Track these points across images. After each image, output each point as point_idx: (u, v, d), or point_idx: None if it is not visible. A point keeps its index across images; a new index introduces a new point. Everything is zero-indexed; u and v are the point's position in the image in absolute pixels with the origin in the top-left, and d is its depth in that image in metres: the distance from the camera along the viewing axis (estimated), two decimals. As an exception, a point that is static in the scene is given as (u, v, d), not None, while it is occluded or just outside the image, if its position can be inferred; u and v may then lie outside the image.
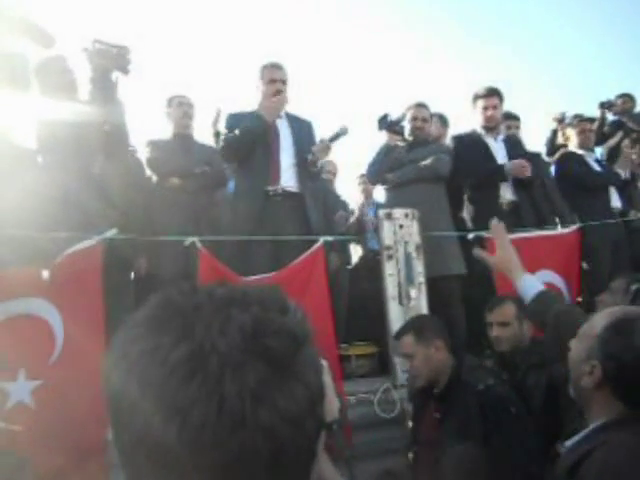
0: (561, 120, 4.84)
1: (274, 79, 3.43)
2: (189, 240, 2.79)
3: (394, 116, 3.76)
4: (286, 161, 3.38)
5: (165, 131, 3.92)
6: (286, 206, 3.33)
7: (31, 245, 2.54)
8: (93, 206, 2.99)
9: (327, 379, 0.57)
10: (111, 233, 2.58)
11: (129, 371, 0.48)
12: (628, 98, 5.14)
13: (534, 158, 4.21)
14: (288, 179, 3.35)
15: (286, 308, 0.53)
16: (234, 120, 3.42)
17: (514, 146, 3.95)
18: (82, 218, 2.88)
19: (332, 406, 0.59)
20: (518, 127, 4.46)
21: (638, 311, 1.38)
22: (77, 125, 2.90)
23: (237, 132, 3.30)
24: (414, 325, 2.51)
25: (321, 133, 3.59)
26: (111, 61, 2.90)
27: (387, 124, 3.72)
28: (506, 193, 3.75)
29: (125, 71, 2.96)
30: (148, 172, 3.95)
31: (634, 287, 2.31)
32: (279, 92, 3.38)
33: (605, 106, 4.81)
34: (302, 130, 3.53)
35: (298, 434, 0.49)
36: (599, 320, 1.39)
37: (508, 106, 4.33)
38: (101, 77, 2.91)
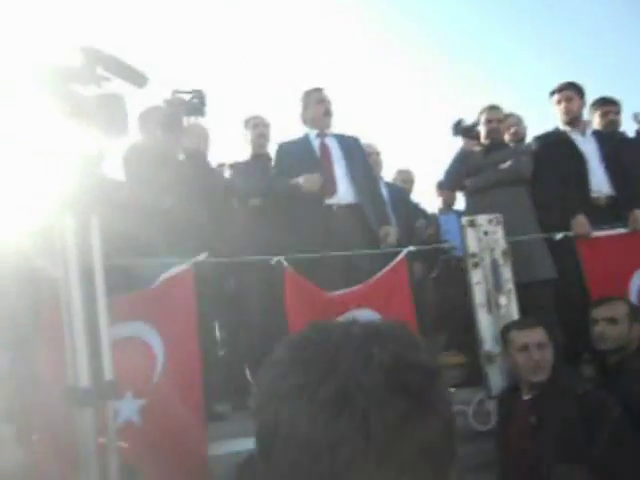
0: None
1: (322, 99, 3.64)
2: (275, 259, 2.86)
3: (468, 121, 3.71)
4: (340, 174, 3.49)
5: (243, 153, 4.07)
6: (347, 217, 3.42)
7: (132, 271, 2.71)
8: (182, 230, 3.15)
9: None
10: (203, 256, 2.71)
11: (280, 406, 0.52)
12: None
13: (630, 143, 3.97)
14: (344, 191, 3.45)
15: (418, 344, 0.56)
16: (284, 150, 3.65)
17: (607, 138, 3.76)
18: (175, 242, 3.03)
19: None
20: (617, 112, 4.10)
21: None
22: (161, 155, 3.09)
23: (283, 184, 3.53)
24: (541, 321, 2.52)
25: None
26: (186, 109, 3.11)
27: (461, 129, 3.67)
28: (602, 187, 3.57)
29: (202, 114, 3.15)
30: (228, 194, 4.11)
31: None
32: (328, 112, 3.64)
33: None
34: (350, 145, 3.67)
35: (436, 463, 0.50)
36: None
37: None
38: (172, 122, 3.10)
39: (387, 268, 2.96)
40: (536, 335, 2.41)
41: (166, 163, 3.08)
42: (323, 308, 2.88)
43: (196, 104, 3.16)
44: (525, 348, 2.39)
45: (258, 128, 4.00)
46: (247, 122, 4.05)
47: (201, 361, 2.64)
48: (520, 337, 2.44)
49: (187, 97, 3.16)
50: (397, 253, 3.07)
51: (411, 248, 3.05)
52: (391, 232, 3.40)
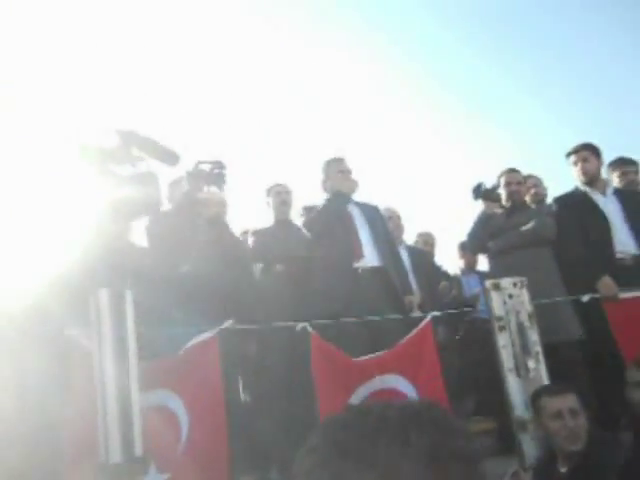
0: None
1: (342, 170, 3.77)
2: (300, 325, 2.88)
3: (488, 184, 3.77)
4: (365, 238, 3.59)
5: (266, 219, 4.17)
6: (374, 281, 3.49)
7: (157, 341, 2.74)
8: (202, 296, 3.19)
9: None
10: (228, 323, 2.73)
11: None
12: None
13: None
14: (369, 254, 3.53)
15: (457, 430, 0.56)
16: (309, 211, 3.81)
17: (629, 197, 3.78)
18: (196, 309, 3.07)
19: None
20: (637, 172, 4.15)
21: None
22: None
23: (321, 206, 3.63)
24: (573, 386, 2.46)
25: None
26: (207, 179, 3.23)
27: (482, 192, 3.73)
28: (627, 247, 3.56)
29: (220, 187, 3.26)
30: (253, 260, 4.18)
31: None
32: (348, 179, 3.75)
33: None
34: (371, 212, 3.79)
35: None
36: None
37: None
38: (193, 192, 3.21)
39: (412, 333, 2.95)
40: (569, 401, 2.34)
41: (186, 231, 3.16)
42: (349, 374, 2.86)
43: (217, 174, 3.27)
44: (558, 415, 2.32)
45: (280, 196, 4.11)
46: (270, 190, 4.16)
47: (226, 432, 2.60)
48: (552, 403, 2.38)
49: (208, 167, 3.28)
50: (422, 318, 3.06)
51: (436, 313, 3.04)
52: (413, 301, 3.47)
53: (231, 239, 3.76)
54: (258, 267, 4.16)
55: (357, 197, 3.83)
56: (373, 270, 3.52)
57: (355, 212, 3.72)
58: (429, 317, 2.97)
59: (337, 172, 3.75)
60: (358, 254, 3.52)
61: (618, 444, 2.31)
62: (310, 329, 2.87)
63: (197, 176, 3.18)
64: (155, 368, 2.71)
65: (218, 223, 3.62)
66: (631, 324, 3.16)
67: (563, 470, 2.25)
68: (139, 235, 3.29)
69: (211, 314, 3.09)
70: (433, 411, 0.58)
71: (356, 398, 2.81)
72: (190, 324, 2.86)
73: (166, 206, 3.37)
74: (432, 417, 0.56)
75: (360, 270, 3.48)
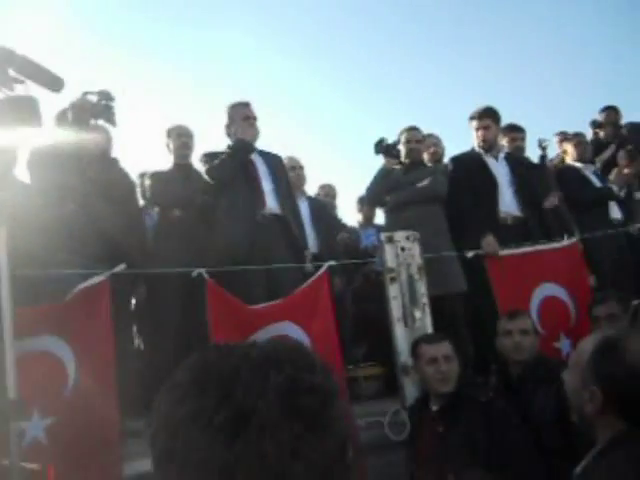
0: (544, 147, 4.92)
1: (248, 116, 3.66)
2: (196, 272, 2.83)
3: (390, 140, 3.85)
4: (267, 187, 3.57)
5: (165, 162, 4.00)
6: (275, 230, 3.50)
7: (41, 283, 2.58)
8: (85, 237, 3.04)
9: None
10: (119, 268, 2.63)
11: (175, 433, 0.52)
12: (612, 110, 5.29)
13: (538, 170, 4.27)
14: (271, 204, 3.53)
15: (315, 366, 0.58)
16: (210, 158, 3.65)
17: (516, 163, 4.02)
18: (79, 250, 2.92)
19: None
20: (523, 139, 4.47)
21: (618, 332, 1.43)
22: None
23: (224, 154, 3.54)
24: (447, 335, 2.67)
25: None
26: (93, 112, 3.01)
27: (383, 148, 3.80)
28: (510, 209, 3.81)
29: (109, 120, 3.06)
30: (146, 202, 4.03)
31: (636, 303, 2.35)
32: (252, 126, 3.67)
33: (595, 125, 4.90)
34: (274, 161, 3.75)
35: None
36: (585, 347, 1.43)
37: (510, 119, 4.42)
38: (77, 125, 2.99)
39: (308, 282, 3.00)
40: (443, 348, 2.55)
41: (71, 167, 2.95)
42: (244, 321, 2.88)
43: (104, 106, 3.05)
44: (434, 361, 2.51)
45: (181, 138, 3.94)
46: (170, 131, 3.98)
47: (115, 377, 2.54)
48: (429, 350, 2.57)
49: (95, 99, 3.04)
50: (319, 267, 3.12)
51: (332, 263, 3.11)
52: (307, 255, 3.60)
53: (120, 177, 3.55)
54: (155, 211, 4.02)
55: (261, 145, 3.76)
56: (274, 219, 3.51)
57: (258, 161, 3.66)
58: (325, 266, 3.04)
59: (242, 118, 3.64)
60: (260, 203, 3.49)
61: (484, 386, 2.54)
62: (206, 275, 2.83)
63: (82, 107, 2.95)
64: (37, 313, 2.57)
65: (105, 159, 3.40)
66: (507, 280, 3.43)
67: (434, 409, 2.45)
68: (20, 170, 3.04)
69: (100, 257, 2.96)
70: (293, 350, 0.60)
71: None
72: (78, 267, 2.71)
73: (50, 140, 3.11)
74: (291, 355, 0.58)
75: (261, 218, 3.45)
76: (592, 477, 1.28)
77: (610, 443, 1.33)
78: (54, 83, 1.87)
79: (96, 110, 3.00)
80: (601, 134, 5.06)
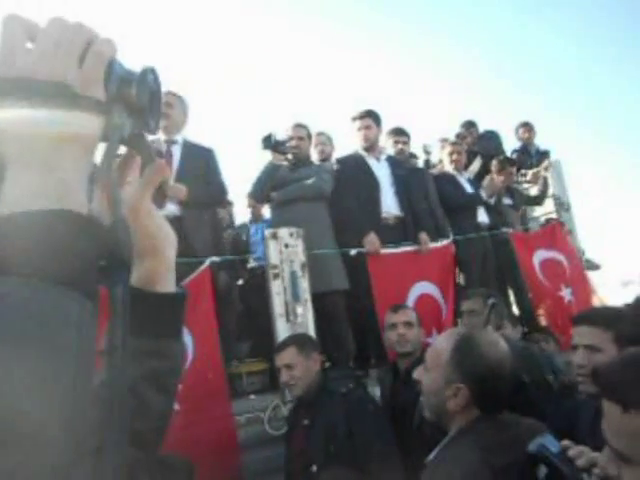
0: (428, 152, 5.26)
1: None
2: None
3: (279, 136, 3.84)
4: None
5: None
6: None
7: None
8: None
9: None
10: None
11: None
12: (470, 124, 5.85)
13: (418, 173, 4.49)
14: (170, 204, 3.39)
15: None
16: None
17: (397, 164, 4.21)
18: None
19: None
20: (406, 143, 4.68)
21: (469, 329, 1.54)
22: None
23: None
24: (297, 339, 2.67)
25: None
26: None
27: (272, 144, 3.78)
28: (391, 209, 3.97)
29: None
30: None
31: (490, 301, 2.55)
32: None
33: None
34: (197, 156, 3.62)
35: None
36: (442, 346, 1.50)
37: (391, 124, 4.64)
38: None
39: (189, 278, 2.94)
40: (286, 355, 2.56)
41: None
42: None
43: None
44: (279, 370, 2.58)
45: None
46: None
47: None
48: (276, 360, 2.62)
49: None
50: (201, 262, 3.07)
51: (214, 258, 3.08)
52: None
53: None
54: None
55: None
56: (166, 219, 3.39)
57: (176, 152, 3.57)
58: (207, 262, 2.99)
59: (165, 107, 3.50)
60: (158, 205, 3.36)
61: (352, 378, 2.62)
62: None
63: None
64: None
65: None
66: (387, 277, 3.60)
67: (305, 422, 2.48)
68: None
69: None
70: None
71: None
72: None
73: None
74: None
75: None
76: (442, 463, 1.36)
77: (463, 429, 1.42)
78: None
79: None
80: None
